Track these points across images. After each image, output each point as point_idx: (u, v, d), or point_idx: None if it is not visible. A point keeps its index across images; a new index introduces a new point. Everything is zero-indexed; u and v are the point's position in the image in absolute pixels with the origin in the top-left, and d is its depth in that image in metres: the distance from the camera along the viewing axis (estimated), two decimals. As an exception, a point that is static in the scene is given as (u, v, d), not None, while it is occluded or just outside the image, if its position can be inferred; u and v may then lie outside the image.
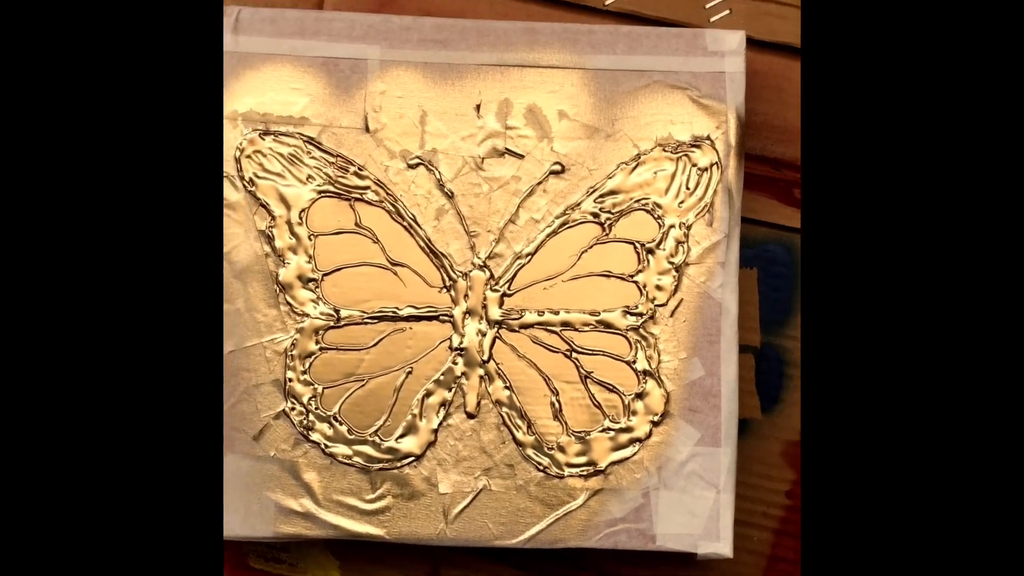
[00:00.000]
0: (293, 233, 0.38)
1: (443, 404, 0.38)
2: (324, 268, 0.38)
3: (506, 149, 0.38)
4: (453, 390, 0.38)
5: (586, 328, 0.38)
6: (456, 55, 0.39)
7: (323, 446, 0.38)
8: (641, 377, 0.38)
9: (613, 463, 0.37)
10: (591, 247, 0.38)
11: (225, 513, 0.37)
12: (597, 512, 0.37)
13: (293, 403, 0.38)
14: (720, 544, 0.37)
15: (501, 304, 0.38)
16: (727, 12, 0.41)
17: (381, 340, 0.38)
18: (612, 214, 0.38)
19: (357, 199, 0.38)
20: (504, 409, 0.38)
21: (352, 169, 0.38)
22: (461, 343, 0.38)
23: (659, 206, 0.38)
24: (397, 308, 0.38)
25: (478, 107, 0.39)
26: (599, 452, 0.38)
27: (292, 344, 0.38)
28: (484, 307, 0.38)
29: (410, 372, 0.38)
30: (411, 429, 0.38)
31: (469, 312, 0.38)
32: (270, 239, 0.38)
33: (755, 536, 0.40)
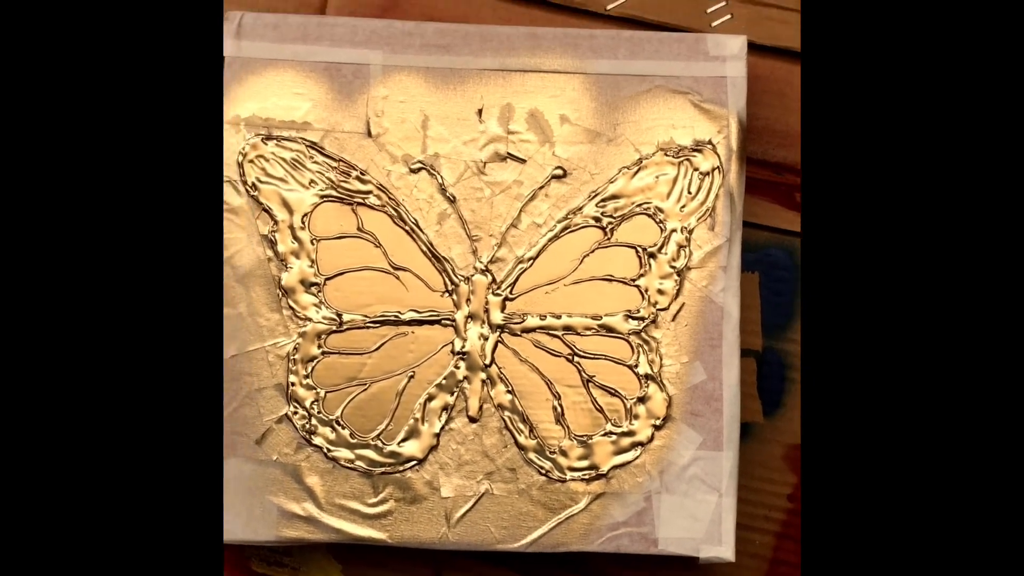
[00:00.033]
0: (296, 237, 0.38)
1: (445, 408, 0.38)
2: (326, 272, 0.38)
3: (508, 153, 0.39)
4: (455, 394, 0.38)
5: (588, 332, 0.38)
6: (458, 60, 0.39)
7: (325, 450, 0.38)
8: (643, 381, 0.38)
9: (615, 467, 0.37)
10: (593, 251, 0.38)
11: (227, 517, 0.37)
12: (599, 516, 0.37)
13: (295, 407, 0.38)
14: (722, 548, 0.37)
15: (503, 308, 0.38)
16: (728, 17, 0.41)
17: (383, 344, 0.38)
18: (614, 218, 0.38)
19: (359, 203, 0.38)
20: (506, 413, 0.38)
21: (354, 174, 0.38)
22: (463, 347, 0.38)
23: (661, 210, 0.38)
24: (399, 312, 0.38)
25: (480, 112, 0.39)
26: (601, 456, 0.38)
27: (294, 348, 0.38)
28: (486, 311, 0.38)
29: (412, 376, 0.38)
30: (413, 433, 0.38)
31: (471, 316, 0.38)
32: (273, 243, 0.38)
33: (757, 540, 0.40)
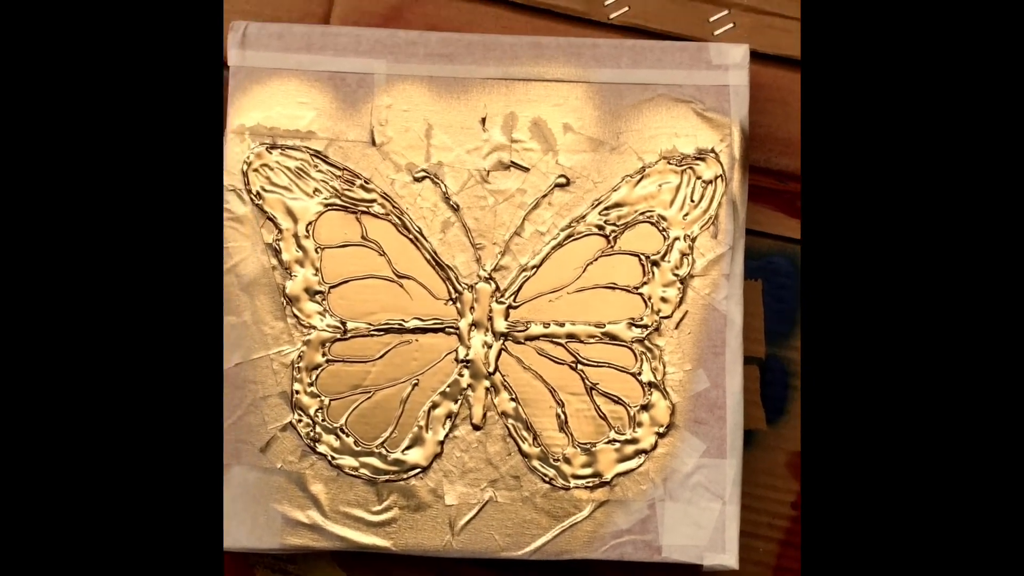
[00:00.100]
0: (300, 246, 0.38)
1: (449, 416, 0.38)
2: (331, 281, 0.38)
3: (511, 162, 0.39)
4: (459, 402, 0.38)
5: (591, 340, 0.38)
6: (462, 69, 0.39)
7: (330, 458, 0.38)
8: (646, 389, 0.38)
9: (619, 475, 0.38)
10: (596, 259, 0.38)
11: (232, 525, 0.37)
12: (603, 524, 0.37)
13: (300, 415, 0.38)
14: (726, 556, 0.37)
15: (507, 316, 0.38)
16: (731, 26, 0.41)
17: (387, 352, 0.38)
18: (617, 226, 0.38)
19: (363, 212, 0.38)
20: (510, 421, 0.38)
21: (358, 182, 0.38)
22: (467, 355, 0.38)
23: (664, 218, 0.38)
24: (403, 320, 0.38)
25: (484, 120, 0.39)
26: (605, 464, 0.38)
27: (299, 356, 0.38)
28: (490, 319, 0.38)
29: (416, 384, 0.38)
30: (417, 441, 0.38)
31: (475, 324, 0.38)
32: (277, 252, 0.38)
33: (760, 547, 0.40)
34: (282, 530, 0.37)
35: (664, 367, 0.38)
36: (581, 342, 0.38)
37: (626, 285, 0.38)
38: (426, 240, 0.38)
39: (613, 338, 0.38)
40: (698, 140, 0.39)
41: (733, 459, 0.37)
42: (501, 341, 0.38)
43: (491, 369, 0.38)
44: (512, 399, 0.38)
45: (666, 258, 0.38)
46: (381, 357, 0.38)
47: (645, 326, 0.38)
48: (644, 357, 0.38)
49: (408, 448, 0.38)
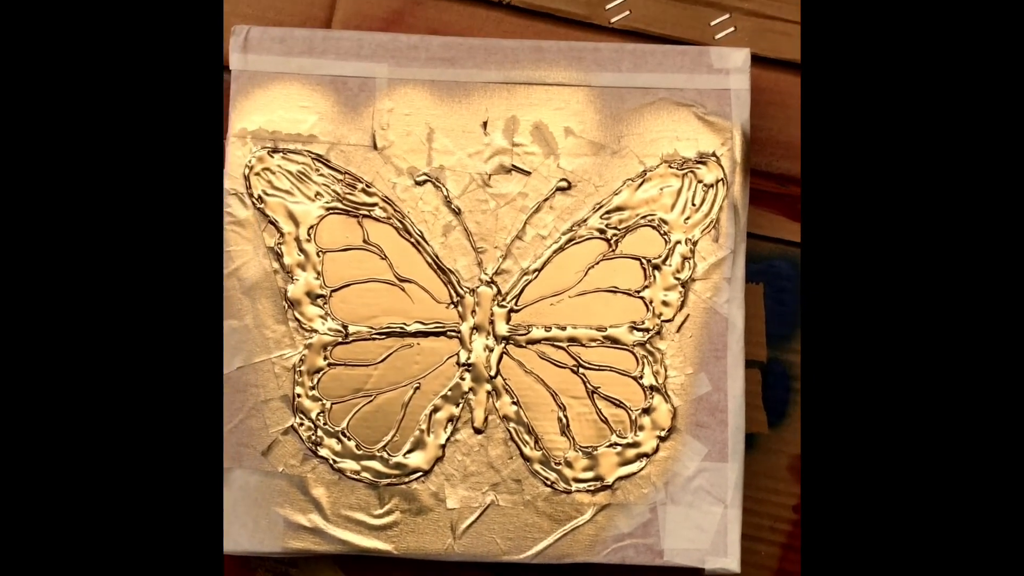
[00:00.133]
0: (302, 250, 0.38)
1: (451, 419, 0.38)
2: (332, 284, 0.38)
3: (513, 166, 0.39)
4: (460, 405, 0.38)
5: (593, 344, 0.38)
6: (463, 73, 0.39)
7: (331, 461, 0.38)
8: (648, 392, 0.38)
9: (620, 478, 0.38)
10: (597, 263, 0.38)
11: (233, 528, 0.37)
12: (605, 527, 0.37)
13: (301, 419, 0.38)
14: (727, 559, 0.37)
15: (508, 320, 0.38)
16: (732, 30, 0.41)
17: (389, 356, 0.38)
18: (618, 230, 0.38)
19: (365, 216, 0.39)
20: (511, 424, 0.38)
21: (360, 186, 0.39)
22: (468, 359, 0.38)
23: (665, 222, 0.38)
24: (405, 324, 0.38)
25: (485, 124, 0.39)
26: (606, 467, 0.38)
27: (300, 360, 0.38)
28: (491, 323, 0.38)
29: (418, 388, 0.38)
30: (419, 444, 0.38)
31: (476, 328, 0.38)
32: (279, 256, 0.38)
33: (762, 551, 0.40)
34: (284, 534, 0.37)
35: (665, 371, 0.38)
36: (582, 346, 0.38)
37: (627, 289, 0.38)
38: (427, 244, 0.38)
39: (614, 342, 0.38)
40: (699, 144, 0.39)
41: (735, 463, 0.37)
42: (502, 345, 0.38)
43: (492, 373, 0.38)
44: (514, 403, 0.38)
45: (667, 262, 0.38)
46: (383, 361, 0.38)
47: (646, 330, 0.38)
48: (645, 361, 0.38)
49: (410, 452, 0.38)
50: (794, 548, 0.40)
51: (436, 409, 0.38)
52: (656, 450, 0.38)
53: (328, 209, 0.38)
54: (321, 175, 0.39)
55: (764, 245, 0.41)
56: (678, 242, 0.38)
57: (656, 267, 0.38)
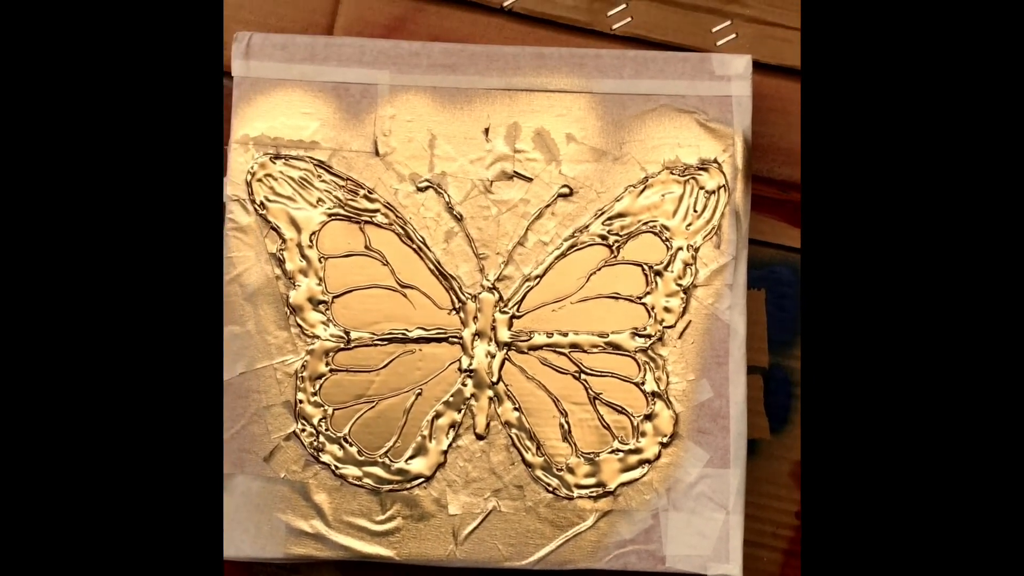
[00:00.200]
0: (304, 256, 0.38)
1: (453, 425, 0.38)
2: (334, 290, 0.38)
3: (515, 172, 0.39)
4: (462, 411, 0.38)
5: (595, 350, 0.38)
6: (465, 79, 0.39)
7: (333, 467, 0.38)
8: (650, 398, 0.38)
9: (622, 484, 0.38)
10: (599, 269, 0.38)
11: (235, 534, 0.37)
12: (607, 533, 0.37)
13: (303, 424, 0.38)
14: (730, 565, 0.37)
15: (510, 326, 0.38)
16: (733, 36, 0.42)
17: (391, 362, 0.38)
18: (620, 236, 0.38)
19: (367, 222, 0.39)
20: (513, 430, 0.38)
21: (362, 192, 0.39)
22: (470, 365, 0.38)
23: (667, 228, 0.38)
24: (407, 330, 0.38)
25: (487, 131, 0.39)
26: (608, 473, 0.38)
27: (302, 366, 0.38)
28: (493, 329, 0.38)
29: (420, 394, 0.38)
30: (421, 450, 0.38)
31: (478, 334, 0.38)
32: (281, 262, 0.38)
33: (764, 557, 0.40)
34: (285, 539, 0.37)
35: (667, 377, 0.38)
36: (584, 352, 0.38)
37: (629, 295, 0.38)
38: (429, 250, 0.38)
39: (616, 348, 0.38)
40: (701, 150, 0.39)
41: (737, 469, 0.37)
42: (504, 351, 0.38)
43: (494, 379, 0.38)
44: (515, 409, 0.38)
45: (669, 268, 0.38)
46: (384, 367, 0.38)
47: (648, 336, 0.38)
48: (647, 367, 0.38)
49: (412, 458, 0.38)
50: (796, 554, 0.40)
51: (438, 415, 0.38)
52: (658, 456, 0.38)
53: (330, 215, 0.39)
54: (323, 181, 0.39)
55: (766, 251, 0.41)
56: (680, 248, 0.38)
57: (658, 273, 0.38)
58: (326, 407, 0.38)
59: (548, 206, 0.39)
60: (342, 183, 0.39)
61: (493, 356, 0.38)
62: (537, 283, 0.38)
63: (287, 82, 0.39)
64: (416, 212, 0.39)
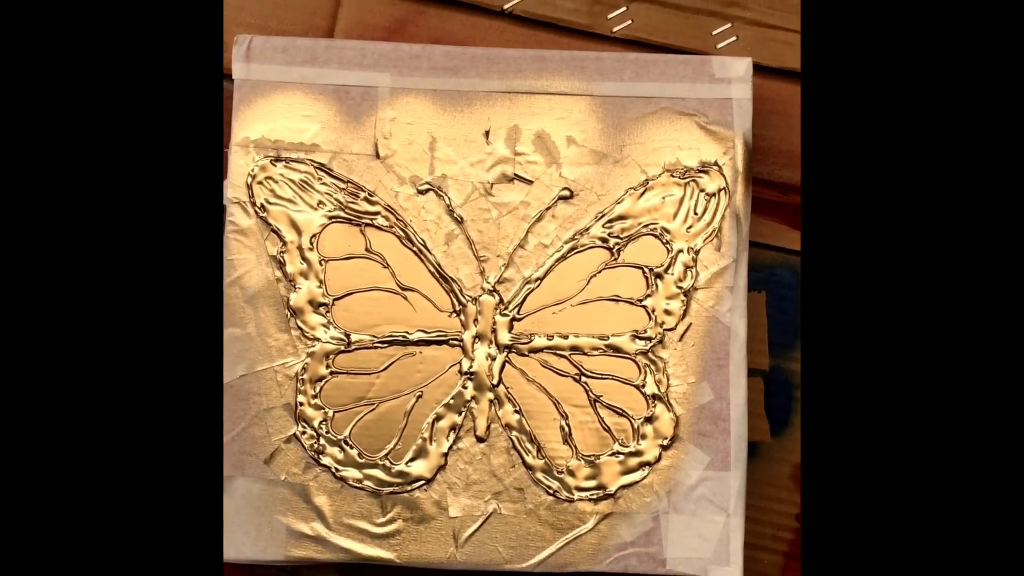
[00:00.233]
0: (304, 258, 0.38)
1: (453, 428, 0.38)
2: (335, 293, 0.38)
3: (515, 175, 0.39)
4: (463, 414, 0.38)
5: (595, 352, 0.38)
6: (465, 82, 0.39)
7: (334, 470, 0.38)
8: (650, 401, 0.38)
9: (623, 487, 0.38)
10: (600, 272, 0.38)
11: (235, 536, 0.37)
12: (607, 536, 0.37)
13: (304, 427, 0.38)
14: (730, 568, 0.37)
15: (510, 328, 0.38)
16: (734, 39, 0.42)
17: (391, 364, 0.38)
18: (620, 239, 0.38)
19: (367, 224, 0.39)
20: (514, 433, 0.38)
21: (362, 195, 0.39)
22: (471, 367, 0.38)
23: (667, 231, 0.38)
24: (407, 332, 0.38)
25: (487, 133, 0.39)
26: (609, 476, 0.38)
27: (303, 368, 0.38)
28: (494, 331, 0.38)
29: (420, 396, 0.38)
30: (421, 453, 0.38)
31: (479, 336, 0.38)
32: (281, 264, 0.38)
33: (765, 559, 0.40)
34: (286, 542, 0.37)
35: (668, 379, 0.38)
36: (585, 354, 0.38)
37: (630, 297, 0.38)
38: (430, 252, 0.38)
39: (617, 350, 0.38)
40: (701, 153, 0.39)
41: (737, 471, 0.37)
42: (505, 353, 0.38)
43: (495, 381, 0.38)
44: (516, 411, 0.38)
45: (670, 270, 0.38)
46: (385, 369, 0.38)
47: (649, 338, 0.38)
48: (648, 369, 0.38)
49: (412, 460, 0.38)
50: (797, 556, 0.40)
51: (438, 418, 0.38)
52: (658, 459, 0.38)
53: (330, 218, 0.39)
54: (323, 184, 0.39)
55: (766, 254, 0.41)
56: (680, 251, 0.38)
57: (658, 276, 0.38)
58: (326, 409, 0.38)
59: (548, 209, 0.39)
60: (343, 186, 0.39)
61: (493, 358, 0.38)
62: (537, 285, 0.38)
63: (288, 85, 0.39)
64: (416, 215, 0.39)
